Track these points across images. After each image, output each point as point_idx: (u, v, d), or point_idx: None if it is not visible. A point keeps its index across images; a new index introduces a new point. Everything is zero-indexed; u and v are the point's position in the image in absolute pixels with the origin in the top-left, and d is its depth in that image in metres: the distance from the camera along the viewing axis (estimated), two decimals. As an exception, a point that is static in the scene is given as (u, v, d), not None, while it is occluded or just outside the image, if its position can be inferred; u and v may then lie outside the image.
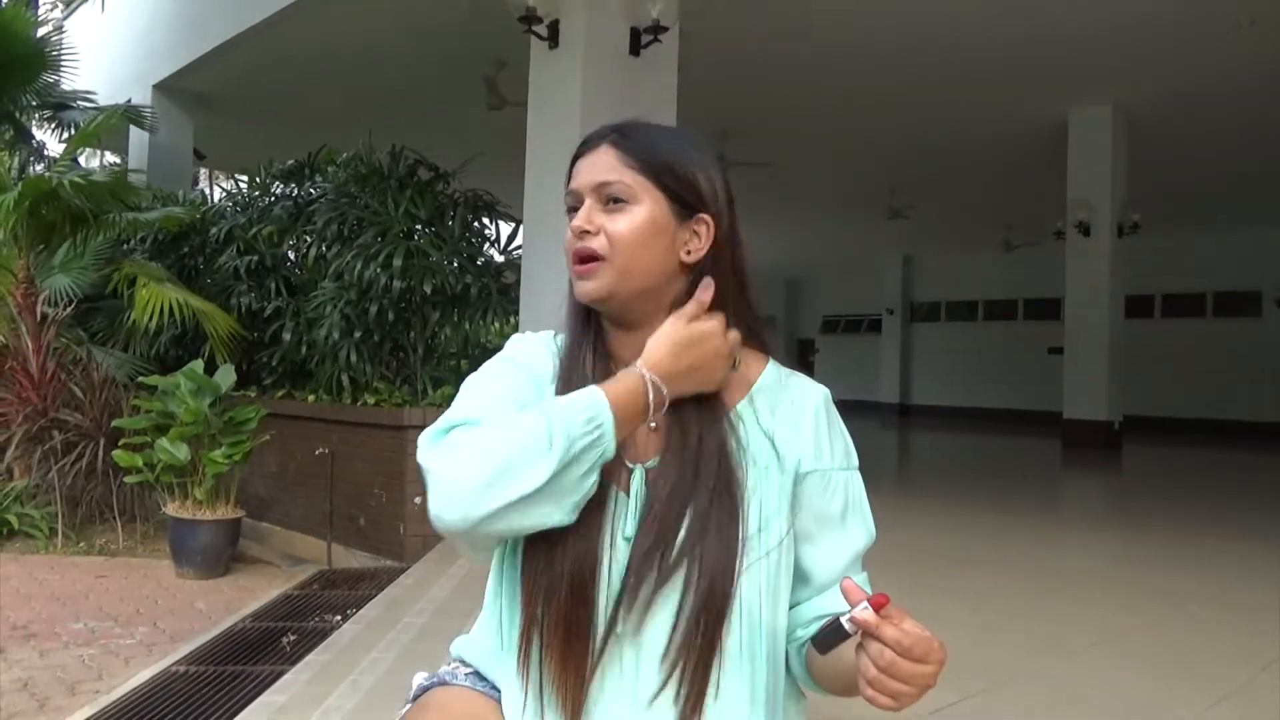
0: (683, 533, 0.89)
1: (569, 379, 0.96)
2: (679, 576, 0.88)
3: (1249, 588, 4.27)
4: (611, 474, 0.91)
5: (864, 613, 0.75)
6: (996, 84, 9.74)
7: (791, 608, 0.97)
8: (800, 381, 1.01)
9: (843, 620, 0.77)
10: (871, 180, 14.04)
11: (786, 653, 0.97)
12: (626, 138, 0.97)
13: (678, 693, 0.88)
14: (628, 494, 0.92)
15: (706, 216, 0.96)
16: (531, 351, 1.02)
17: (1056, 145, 11.15)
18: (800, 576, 0.97)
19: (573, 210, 0.97)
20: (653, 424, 0.94)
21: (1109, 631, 3.45)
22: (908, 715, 0.82)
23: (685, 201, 0.96)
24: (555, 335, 1.04)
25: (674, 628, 0.88)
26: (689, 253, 0.96)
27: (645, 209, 0.94)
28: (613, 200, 0.94)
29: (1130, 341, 11.99)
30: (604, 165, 0.95)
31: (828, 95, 10.25)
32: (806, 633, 0.95)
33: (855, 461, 1.00)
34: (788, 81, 9.82)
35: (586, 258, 0.94)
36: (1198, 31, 8.12)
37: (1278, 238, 16.34)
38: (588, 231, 0.94)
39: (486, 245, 5.97)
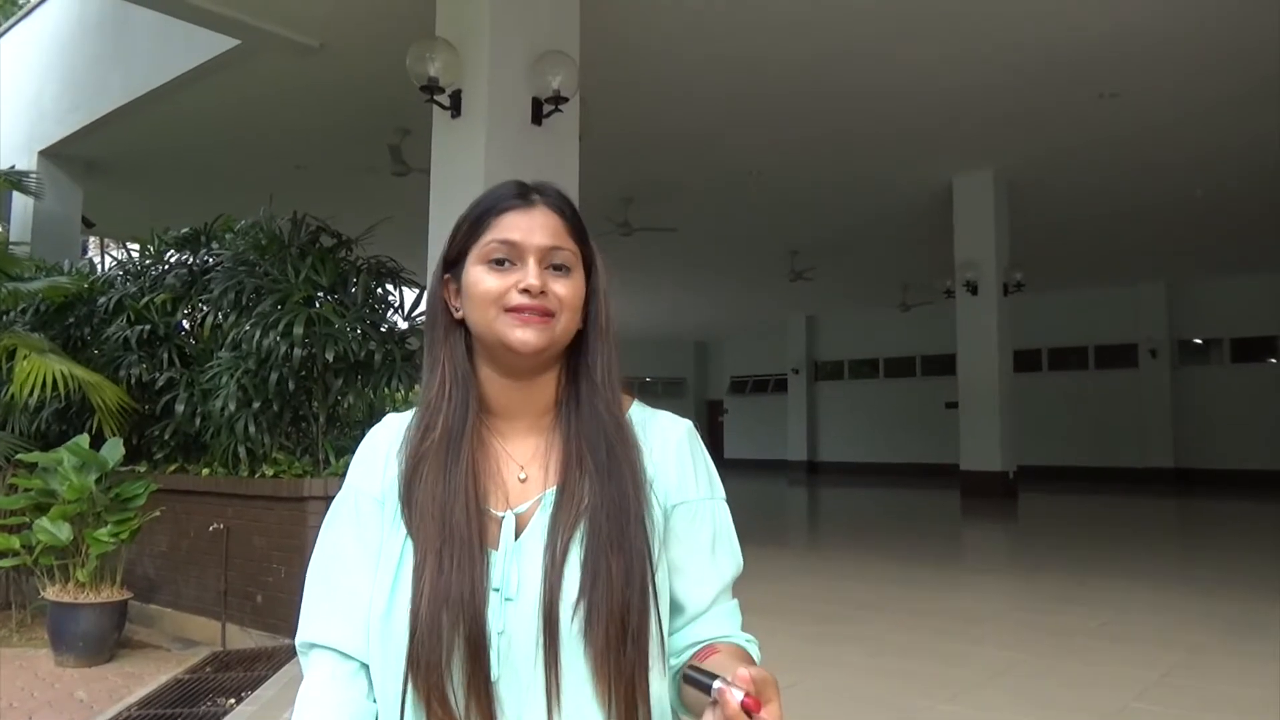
0: (578, 576, 0.90)
1: (447, 436, 0.97)
2: (579, 624, 0.89)
3: (1129, 621, 4.52)
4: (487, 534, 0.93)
5: (728, 693, 0.78)
6: (887, 152, 10.32)
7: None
8: (664, 417, 1.06)
9: (715, 685, 0.80)
10: (774, 244, 14.56)
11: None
12: (564, 202, 1.02)
13: None
14: (497, 548, 0.93)
15: (597, 286, 1.03)
16: (374, 465, 1.01)
17: (944, 209, 11.81)
18: (674, 606, 1.00)
19: (498, 262, 0.98)
20: (522, 475, 0.98)
21: (1000, 667, 3.59)
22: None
23: (593, 273, 1.02)
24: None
25: (596, 679, 0.88)
26: (583, 318, 1.01)
27: (579, 278, 1.00)
28: (555, 266, 0.98)
29: (1020, 394, 12.58)
30: (551, 230, 0.99)
31: (727, 163, 10.65)
32: (678, 661, 0.99)
33: (721, 493, 1.05)
34: (688, 150, 10.18)
35: (542, 312, 0.96)
36: (1062, 101, 8.79)
37: (1149, 293, 17.58)
38: (544, 292, 0.96)
39: (390, 312, 5.93)
